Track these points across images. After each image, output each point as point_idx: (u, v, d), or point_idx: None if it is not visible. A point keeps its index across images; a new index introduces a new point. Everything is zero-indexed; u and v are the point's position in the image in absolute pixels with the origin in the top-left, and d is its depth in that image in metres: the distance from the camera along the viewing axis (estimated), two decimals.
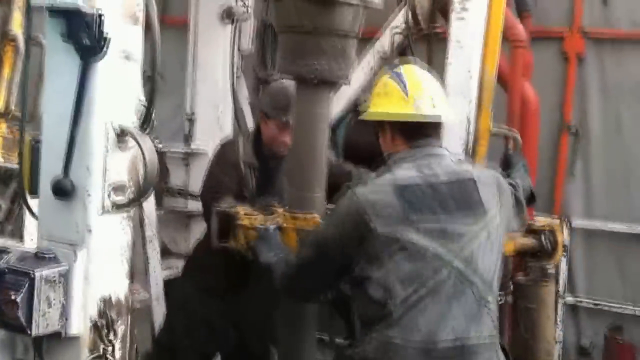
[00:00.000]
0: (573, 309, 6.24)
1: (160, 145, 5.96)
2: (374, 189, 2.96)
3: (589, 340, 6.19)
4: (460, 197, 2.96)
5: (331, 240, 3.03)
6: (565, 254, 6.10)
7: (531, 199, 3.84)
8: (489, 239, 2.97)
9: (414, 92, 3.08)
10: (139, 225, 5.25)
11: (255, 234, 3.61)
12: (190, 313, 4.41)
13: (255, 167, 4.27)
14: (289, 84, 4.24)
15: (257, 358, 4.59)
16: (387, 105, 3.14)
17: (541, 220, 4.27)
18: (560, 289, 6.08)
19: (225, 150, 4.40)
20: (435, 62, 5.02)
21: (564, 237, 4.86)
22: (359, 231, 2.89)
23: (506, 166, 3.97)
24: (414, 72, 3.18)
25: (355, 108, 5.77)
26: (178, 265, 5.25)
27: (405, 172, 2.99)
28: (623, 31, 6.12)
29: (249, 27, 5.80)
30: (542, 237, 4.16)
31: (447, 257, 2.86)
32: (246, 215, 3.71)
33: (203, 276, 4.39)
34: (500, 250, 3.04)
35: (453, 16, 4.56)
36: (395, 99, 3.10)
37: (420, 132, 3.09)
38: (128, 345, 2.68)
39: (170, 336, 4.47)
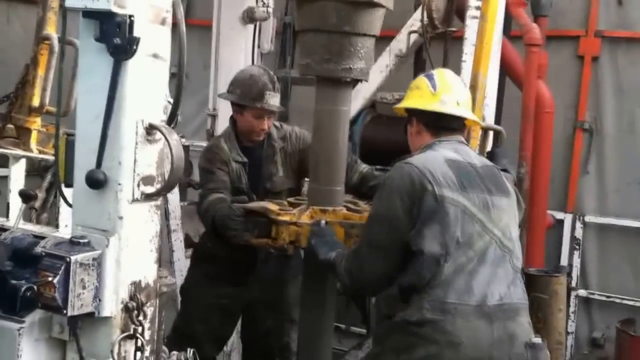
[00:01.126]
0: (586, 302, 6.34)
1: (184, 141, 6.14)
2: (426, 160, 3.16)
3: (601, 332, 6.27)
4: (492, 178, 3.23)
5: (394, 208, 3.09)
6: (578, 248, 6.24)
7: None
8: (514, 216, 3.25)
9: (441, 89, 3.32)
10: (165, 217, 5.42)
11: (296, 229, 3.67)
12: (203, 300, 4.49)
13: (244, 162, 4.32)
14: (255, 71, 4.32)
15: (270, 333, 4.67)
16: (415, 99, 3.39)
17: None
18: (574, 282, 6.20)
19: (212, 150, 4.40)
20: (451, 62, 5.15)
21: None
22: (417, 194, 3.04)
23: (490, 160, 4.12)
24: (445, 74, 3.44)
25: (371, 105, 5.89)
26: None
27: (448, 152, 3.22)
28: (638, 32, 6.19)
29: (270, 27, 5.88)
30: None
31: (489, 225, 3.09)
32: (282, 210, 3.75)
33: (211, 264, 4.49)
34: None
35: (468, 16, 4.68)
36: (423, 93, 3.35)
37: (444, 127, 3.33)
38: (156, 326, 2.79)
39: (186, 323, 4.54)
